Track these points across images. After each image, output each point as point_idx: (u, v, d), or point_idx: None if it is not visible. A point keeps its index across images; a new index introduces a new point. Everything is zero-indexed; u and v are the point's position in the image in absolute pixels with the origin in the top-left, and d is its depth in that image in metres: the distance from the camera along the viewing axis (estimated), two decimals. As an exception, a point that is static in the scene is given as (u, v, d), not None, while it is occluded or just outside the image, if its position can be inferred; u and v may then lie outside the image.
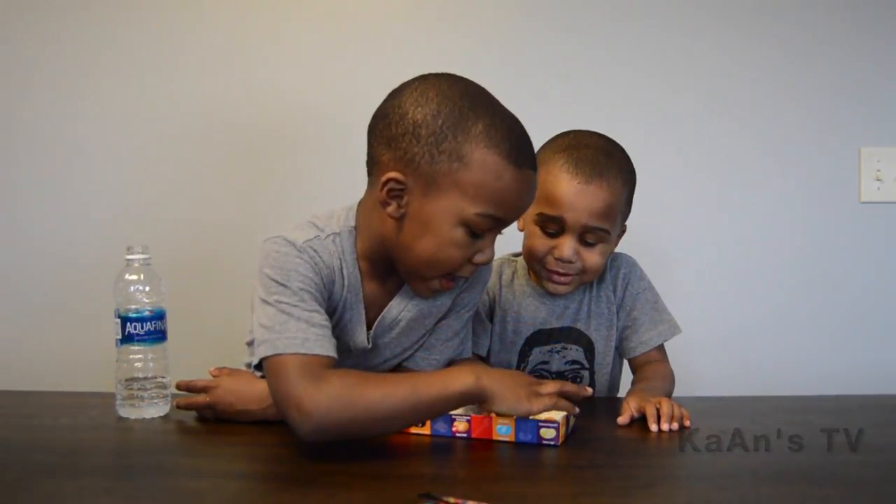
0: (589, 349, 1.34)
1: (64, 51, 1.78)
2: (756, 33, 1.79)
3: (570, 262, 1.25)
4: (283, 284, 1.04)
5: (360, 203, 1.14)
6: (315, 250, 1.07)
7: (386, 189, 1.04)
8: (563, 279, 1.28)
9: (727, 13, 1.79)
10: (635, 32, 1.79)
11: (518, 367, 1.34)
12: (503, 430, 1.03)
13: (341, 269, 1.10)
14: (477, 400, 1.00)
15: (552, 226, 1.25)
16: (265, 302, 1.04)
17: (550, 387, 1.03)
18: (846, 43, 1.79)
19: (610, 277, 1.36)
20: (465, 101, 1.02)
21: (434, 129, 1.01)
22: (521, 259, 1.38)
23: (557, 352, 1.34)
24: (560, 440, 1.00)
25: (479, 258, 1.07)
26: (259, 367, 1.04)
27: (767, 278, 1.81)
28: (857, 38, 1.79)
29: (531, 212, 1.25)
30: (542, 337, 1.34)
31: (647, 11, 1.79)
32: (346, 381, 0.97)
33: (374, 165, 1.08)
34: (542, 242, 1.27)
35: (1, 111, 1.80)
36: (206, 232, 1.79)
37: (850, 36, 1.79)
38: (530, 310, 1.35)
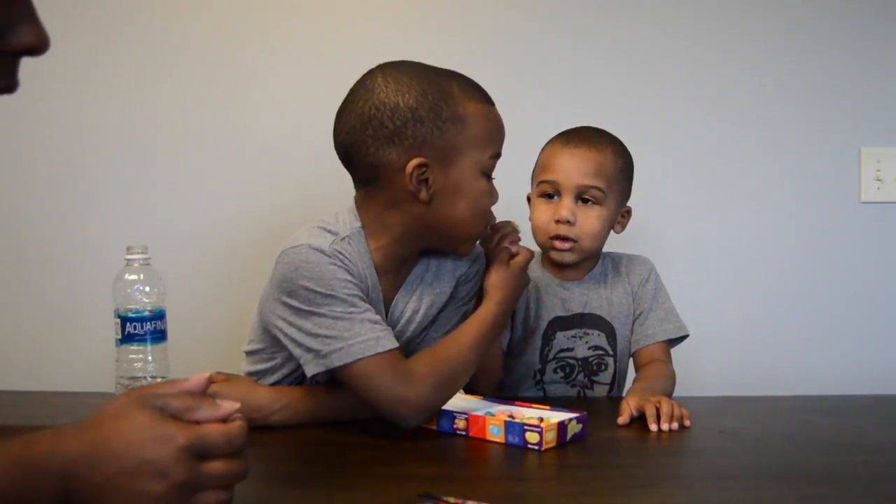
0: (611, 335, 1.36)
1: (65, 50, 1.78)
2: (755, 33, 1.79)
3: (569, 221, 1.30)
4: (329, 295, 1.05)
5: (360, 208, 1.15)
6: (342, 253, 1.08)
7: (414, 177, 1.07)
8: (564, 244, 1.32)
9: (726, 13, 1.79)
10: (633, 32, 1.79)
11: (542, 352, 1.36)
12: (495, 431, 1.03)
13: (361, 269, 1.11)
14: (505, 307, 1.16)
15: (550, 189, 1.33)
16: (312, 313, 1.05)
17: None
18: (846, 43, 1.79)
19: (625, 271, 1.40)
20: (429, 73, 1.10)
21: (429, 105, 1.07)
22: (535, 252, 1.40)
23: (580, 337, 1.36)
24: (545, 446, 0.99)
25: (494, 199, 1.16)
26: (316, 378, 1.07)
27: (767, 278, 1.81)
28: (857, 37, 1.79)
29: (535, 185, 1.37)
30: (564, 322, 1.36)
31: (644, 11, 1.79)
32: (430, 365, 1.06)
33: (380, 170, 1.09)
34: (543, 211, 1.33)
35: (1, 111, 1.80)
36: (206, 232, 1.79)
37: (850, 36, 1.79)
38: (549, 294, 1.37)
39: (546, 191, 1.33)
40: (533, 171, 1.38)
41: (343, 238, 1.10)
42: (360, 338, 1.03)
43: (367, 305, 1.07)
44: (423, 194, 1.08)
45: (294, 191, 1.78)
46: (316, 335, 1.04)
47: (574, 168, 1.30)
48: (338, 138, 1.12)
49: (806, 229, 1.81)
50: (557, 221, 1.30)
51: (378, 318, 1.07)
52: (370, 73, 1.11)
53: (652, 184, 1.75)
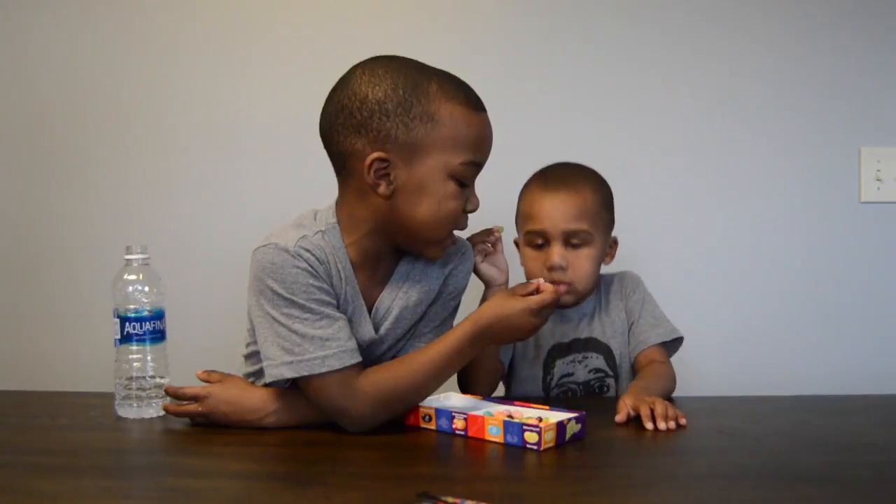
0: (609, 356, 1.38)
1: (65, 50, 1.78)
2: (755, 33, 1.79)
3: (561, 267, 1.30)
4: (288, 299, 1.07)
5: (337, 202, 1.16)
6: (307, 249, 1.09)
7: (373, 171, 1.07)
8: (560, 287, 1.30)
9: (726, 13, 1.79)
10: (633, 33, 1.79)
11: (544, 380, 1.37)
12: (493, 431, 1.03)
13: (335, 262, 1.12)
14: (485, 336, 1.10)
15: (538, 238, 1.33)
16: (275, 320, 1.07)
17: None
18: (846, 43, 1.79)
19: (616, 289, 1.42)
20: (411, 69, 1.09)
21: (399, 100, 1.06)
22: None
23: (580, 362, 1.37)
24: (543, 446, 0.99)
25: (470, 206, 1.14)
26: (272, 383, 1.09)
27: (768, 278, 1.81)
28: (857, 38, 1.79)
29: (521, 234, 1.37)
30: (562, 349, 1.38)
31: (644, 11, 1.79)
32: (377, 385, 1.07)
33: (347, 159, 1.11)
34: (534, 259, 1.34)
35: (2, 109, 1.80)
36: (206, 232, 1.79)
37: (849, 36, 1.79)
38: (547, 324, 1.36)
39: (534, 241, 1.33)
40: (516, 217, 1.39)
41: (317, 232, 1.12)
42: (307, 356, 1.05)
43: (327, 311, 1.08)
44: (383, 189, 1.08)
45: (294, 191, 1.78)
46: (276, 344, 1.07)
47: (558, 214, 1.30)
48: (320, 125, 1.14)
49: (806, 229, 1.81)
50: (550, 269, 1.31)
51: (333, 332, 1.07)
52: (357, 64, 1.12)
53: (651, 184, 1.75)
